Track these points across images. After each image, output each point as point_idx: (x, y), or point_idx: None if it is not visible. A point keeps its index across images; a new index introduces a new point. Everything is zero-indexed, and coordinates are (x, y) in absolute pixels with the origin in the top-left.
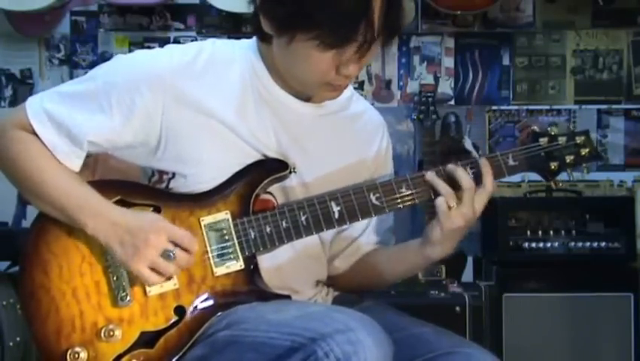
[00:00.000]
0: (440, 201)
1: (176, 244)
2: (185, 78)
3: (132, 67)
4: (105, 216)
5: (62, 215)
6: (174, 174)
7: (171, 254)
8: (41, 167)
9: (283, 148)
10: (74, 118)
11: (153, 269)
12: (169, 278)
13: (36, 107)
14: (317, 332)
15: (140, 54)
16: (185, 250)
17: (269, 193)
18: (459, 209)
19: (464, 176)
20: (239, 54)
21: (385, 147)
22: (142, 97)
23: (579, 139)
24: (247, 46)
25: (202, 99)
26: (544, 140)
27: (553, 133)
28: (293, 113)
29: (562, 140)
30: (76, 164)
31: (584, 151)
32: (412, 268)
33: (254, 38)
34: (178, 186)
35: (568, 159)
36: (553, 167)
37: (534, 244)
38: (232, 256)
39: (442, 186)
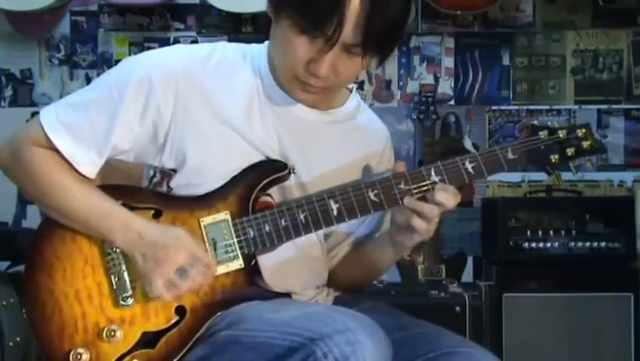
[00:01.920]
0: (418, 224)
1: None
2: (199, 70)
3: (142, 65)
4: (132, 228)
5: (88, 229)
6: (175, 171)
7: (184, 273)
8: (64, 185)
9: (285, 151)
10: (95, 127)
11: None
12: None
13: (52, 120)
14: (316, 332)
15: (149, 53)
16: (203, 268)
17: (269, 195)
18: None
19: (432, 207)
20: (249, 58)
21: (387, 157)
22: (154, 92)
23: (580, 132)
24: (257, 51)
25: (214, 94)
26: (544, 133)
27: (552, 126)
28: (298, 120)
29: (562, 133)
30: (94, 172)
31: (586, 144)
32: (385, 268)
33: (265, 44)
34: (178, 186)
35: (569, 151)
36: (553, 160)
37: (534, 244)
38: (232, 256)
39: (418, 206)
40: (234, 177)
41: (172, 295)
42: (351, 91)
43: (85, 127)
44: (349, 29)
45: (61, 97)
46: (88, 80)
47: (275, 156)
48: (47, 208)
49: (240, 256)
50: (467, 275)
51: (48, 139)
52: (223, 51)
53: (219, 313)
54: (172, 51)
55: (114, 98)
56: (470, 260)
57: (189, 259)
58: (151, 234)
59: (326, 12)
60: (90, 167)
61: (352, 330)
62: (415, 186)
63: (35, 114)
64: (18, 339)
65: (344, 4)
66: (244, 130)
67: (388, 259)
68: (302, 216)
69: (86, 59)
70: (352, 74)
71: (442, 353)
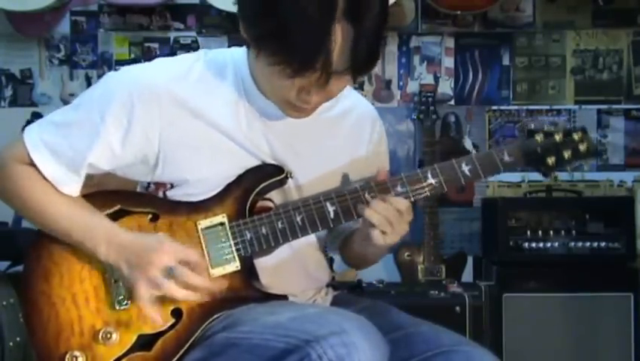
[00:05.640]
0: (376, 234)
1: (182, 262)
2: (182, 86)
3: (123, 85)
4: (114, 241)
5: (73, 242)
6: (172, 186)
7: (170, 271)
8: (46, 200)
9: (277, 154)
10: (75, 147)
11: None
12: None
13: (34, 140)
14: (311, 334)
15: (130, 70)
16: (191, 265)
17: (269, 200)
18: (395, 230)
19: (392, 207)
20: (230, 66)
21: (377, 136)
22: (137, 115)
23: (576, 135)
24: (238, 56)
25: (200, 106)
26: (540, 136)
27: (548, 130)
28: (281, 121)
29: (558, 136)
30: (75, 190)
31: (582, 147)
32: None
33: (245, 48)
34: (175, 196)
35: (566, 154)
36: (550, 162)
37: (534, 244)
38: (228, 258)
39: (376, 219)
40: (231, 182)
41: (152, 302)
42: None
43: (65, 147)
44: (337, 60)
45: (61, 97)
46: (88, 80)
47: (267, 157)
48: (34, 223)
49: (237, 258)
50: (467, 275)
51: (30, 157)
52: (204, 62)
53: (215, 316)
54: (153, 69)
55: (94, 120)
56: (470, 260)
57: (174, 259)
58: (134, 243)
59: (311, 53)
60: (71, 186)
61: (346, 332)
62: (411, 188)
63: (35, 114)
64: (18, 339)
65: (328, 39)
66: (235, 136)
67: (373, 253)
68: (299, 218)
69: (86, 59)
70: (343, 88)
71: (439, 352)
